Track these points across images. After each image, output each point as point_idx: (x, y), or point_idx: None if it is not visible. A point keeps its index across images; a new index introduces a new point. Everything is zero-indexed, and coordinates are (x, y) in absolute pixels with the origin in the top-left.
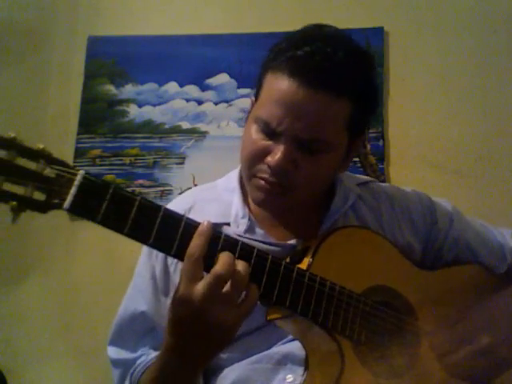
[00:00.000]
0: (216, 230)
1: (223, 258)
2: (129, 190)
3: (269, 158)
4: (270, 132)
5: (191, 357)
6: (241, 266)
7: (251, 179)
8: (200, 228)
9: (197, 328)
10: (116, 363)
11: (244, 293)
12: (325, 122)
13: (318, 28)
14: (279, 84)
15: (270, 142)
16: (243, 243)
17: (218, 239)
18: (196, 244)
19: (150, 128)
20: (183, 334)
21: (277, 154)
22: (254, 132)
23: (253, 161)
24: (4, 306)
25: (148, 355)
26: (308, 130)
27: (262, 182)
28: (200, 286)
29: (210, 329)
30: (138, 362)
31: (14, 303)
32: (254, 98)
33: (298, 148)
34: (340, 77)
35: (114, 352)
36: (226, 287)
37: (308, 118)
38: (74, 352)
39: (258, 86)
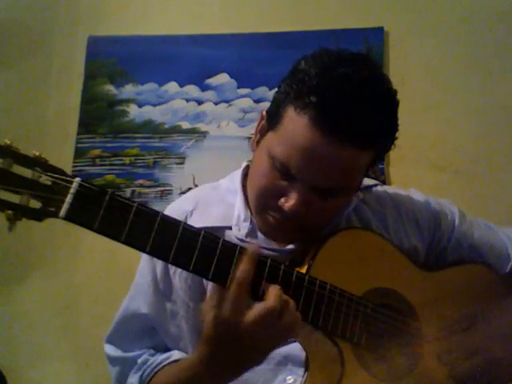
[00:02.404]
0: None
1: (274, 291)
2: (129, 190)
3: (282, 200)
4: (286, 173)
5: (221, 370)
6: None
7: (261, 213)
8: (249, 252)
9: (236, 349)
10: (114, 360)
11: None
12: (347, 174)
13: (345, 63)
14: (302, 130)
15: (285, 183)
16: (241, 247)
17: (217, 244)
18: (245, 269)
19: (150, 128)
20: (220, 351)
21: (292, 198)
22: (269, 167)
23: (265, 197)
24: (5, 305)
25: (151, 355)
26: (328, 181)
27: (273, 220)
28: (251, 316)
29: (249, 351)
30: (140, 360)
31: (15, 303)
32: (265, 113)
33: (314, 193)
34: (368, 131)
35: (111, 349)
36: (275, 319)
37: (329, 171)
38: (75, 352)
39: (276, 114)
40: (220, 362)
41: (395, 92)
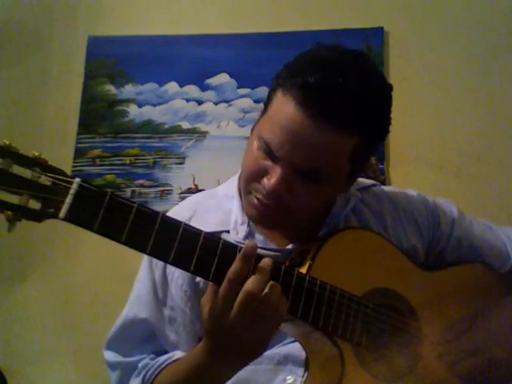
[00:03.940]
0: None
1: (252, 278)
2: (129, 190)
3: (264, 180)
4: (269, 153)
5: (222, 361)
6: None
7: (247, 195)
8: (242, 251)
9: (231, 341)
10: (114, 366)
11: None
12: (327, 156)
13: (333, 51)
14: (286, 109)
15: (269, 163)
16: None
17: (217, 244)
18: (236, 267)
19: (150, 128)
20: (218, 344)
21: (273, 177)
22: (256, 149)
23: (250, 178)
24: (4, 305)
25: (151, 359)
26: (307, 160)
27: (256, 201)
28: (235, 307)
29: (243, 341)
30: (141, 364)
31: (14, 303)
32: (263, 106)
33: (296, 175)
34: (348, 113)
35: (111, 355)
36: (259, 306)
37: (309, 150)
38: (74, 352)
39: (268, 98)
40: (220, 354)
41: (385, 78)
